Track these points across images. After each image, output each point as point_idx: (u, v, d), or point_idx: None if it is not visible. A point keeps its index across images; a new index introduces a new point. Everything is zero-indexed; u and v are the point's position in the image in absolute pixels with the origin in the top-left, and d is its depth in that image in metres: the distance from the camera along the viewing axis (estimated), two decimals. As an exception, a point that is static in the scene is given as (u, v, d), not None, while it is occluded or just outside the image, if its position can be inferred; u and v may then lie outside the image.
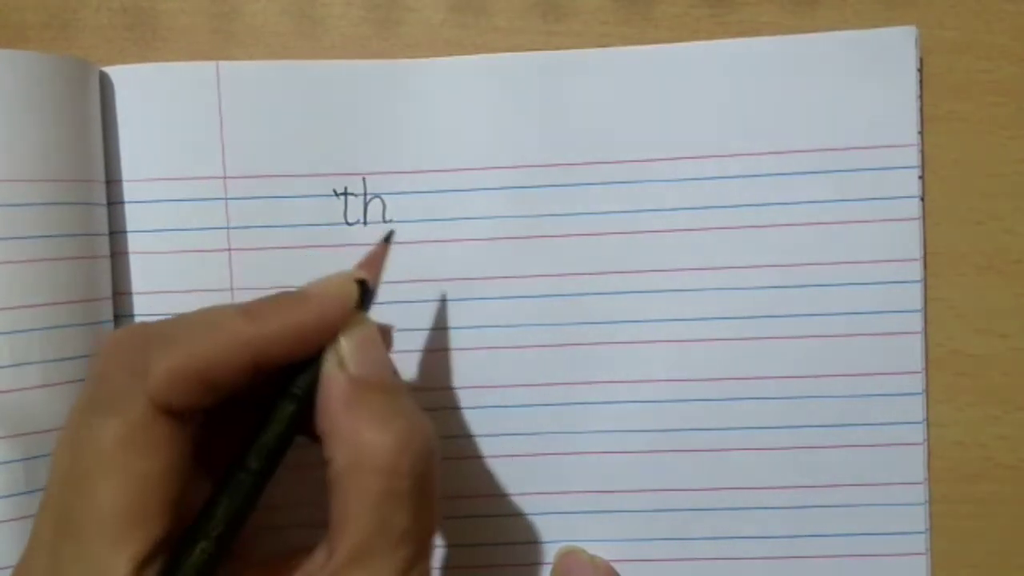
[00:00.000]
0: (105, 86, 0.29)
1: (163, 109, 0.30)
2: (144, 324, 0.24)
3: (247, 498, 0.22)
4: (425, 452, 0.23)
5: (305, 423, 0.24)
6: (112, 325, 0.29)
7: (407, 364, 0.31)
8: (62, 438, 0.22)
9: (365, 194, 0.30)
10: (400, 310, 0.30)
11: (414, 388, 0.31)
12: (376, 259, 0.26)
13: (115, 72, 0.30)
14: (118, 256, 0.30)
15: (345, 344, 0.24)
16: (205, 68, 0.30)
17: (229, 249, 0.30)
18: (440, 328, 0.31)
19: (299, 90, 0.30)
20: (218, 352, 0.22)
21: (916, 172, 0.30)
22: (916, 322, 0.30)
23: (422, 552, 0.23)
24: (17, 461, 0.27)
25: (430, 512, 0.23)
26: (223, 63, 0.30)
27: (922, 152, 0.30)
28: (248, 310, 0.23)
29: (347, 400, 0.23)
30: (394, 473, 0.22)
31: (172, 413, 0.22)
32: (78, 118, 0.28)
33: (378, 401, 0.23)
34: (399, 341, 0.30)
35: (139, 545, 0.21)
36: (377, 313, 0.30)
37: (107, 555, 0.20)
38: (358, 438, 0.22)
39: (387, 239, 0.26)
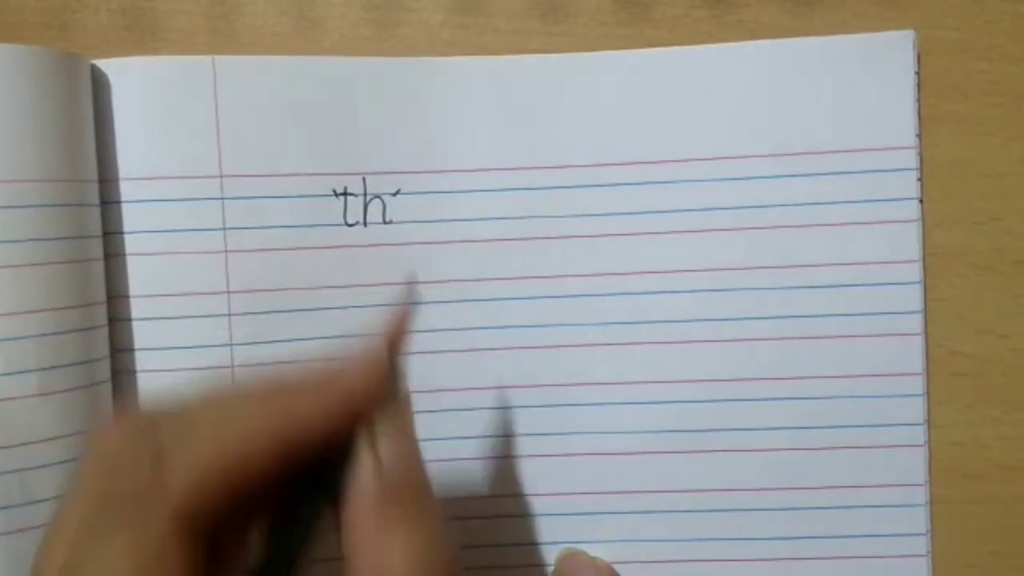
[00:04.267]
0: (97, 81, 0.29)
1: (157, 105, 0.29)
2: (146, 414, 0.21)
3: None
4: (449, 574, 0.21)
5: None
6: (107, 330, 0.29)
7: (408, 366, 0.30)
8: (59, 564, 0.19)
9: (365, 194, 0.30)
10: (400, 312, 0.30)
11: (416, 391, 0.30)
12: (401, 324, 0.23)
13: (107, 66, 0.29)
14: (113, 258, 0.29)
15: (380, 440, 0.22)
16: (201, 63, 0.29)
17: (225, 251, 0.29)
18: (440, 330, 0.30)
19: (298, 87, 0.29)
20: (242, 448, 0.20)
21: (915, 174, 0.30)
22: (916, 323, 0.30)
23: None
24: (11, 472, 0.26)
25: None
26: (219, 58, 0.29)
27: (921, 153, 0.30)
28: (268, 396, 0.21)
29: (376, 518, 0.21)
30: None
31: (193, 524, 0.19)
32: (69, 114, 0.27)
33: (410, 516, 0.21)
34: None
35: None
36: (380, 318, 0.30)
37: None
38: (386, 561, 0.21)
39: (409, 298, 0.24)
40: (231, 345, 0.29)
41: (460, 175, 0.30)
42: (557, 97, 0.30)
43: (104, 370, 0.28)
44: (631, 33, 0.30)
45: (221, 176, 0.29)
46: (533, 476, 0.31)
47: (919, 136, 0.30)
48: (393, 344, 0.23)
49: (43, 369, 0.27)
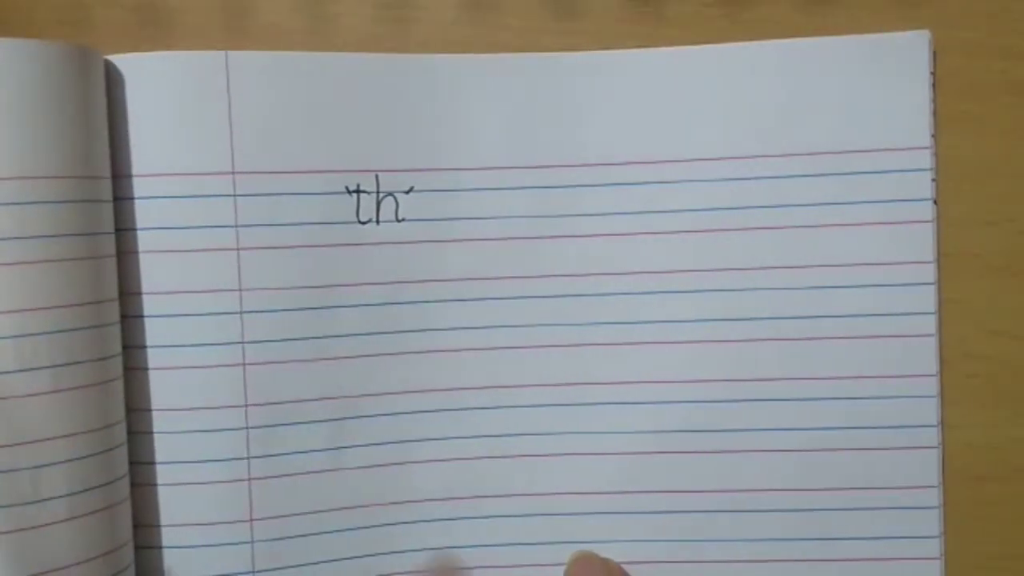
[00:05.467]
0: (111, 77, 0.28)
1: (170, 100, 0.29)
2: None
3: None
4: None
5: None
6: (119, 327, 0.28)
7: (420, 366, 0.30)
8: None
9: (378, 192, 0.30)
10: (412, 310, 0.30)
11: (428, 391, 0.30)
12: None
13: (121, 61, 0.28)
14: (125, 255, 0.29)
15: None
16: (214, 57, 0.29)
17: (238, 248, 0.29)
18: (452, 329, 0.30)
19: (311, 83, 0.29)
20: None
21: (929, 175, 0.30)
22: (930, 325, 0.30)
23: None
24: (24, 470, 0.26)
25: None
26: (233, 53, 0.29)
27: (936, 154, 0.30)
28: None
29: None
30: None
31: None
32: (83, 110, 0.27)
33: None
34: (413, 342, 0.30)
35: None
36: (392, 316, 0.30)
37: None
38: None
39: None
40: (243, 343, 0.29)
41: (473, 173, 0.30)
42: (570, 95, 0.30)
43: (116, 367, 0.28)
44: (644, 31, 0.30)
45: (233, 173, 0.29)
46: (544, 475, 0.30)
47: (934, 136, 0.30)
48: None
49: (55, 366, 0.26)
